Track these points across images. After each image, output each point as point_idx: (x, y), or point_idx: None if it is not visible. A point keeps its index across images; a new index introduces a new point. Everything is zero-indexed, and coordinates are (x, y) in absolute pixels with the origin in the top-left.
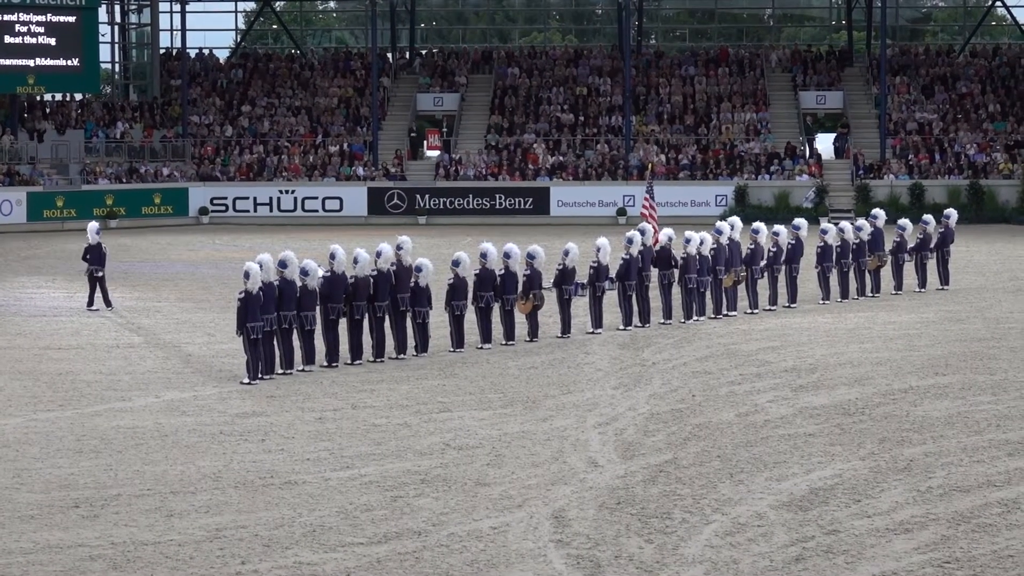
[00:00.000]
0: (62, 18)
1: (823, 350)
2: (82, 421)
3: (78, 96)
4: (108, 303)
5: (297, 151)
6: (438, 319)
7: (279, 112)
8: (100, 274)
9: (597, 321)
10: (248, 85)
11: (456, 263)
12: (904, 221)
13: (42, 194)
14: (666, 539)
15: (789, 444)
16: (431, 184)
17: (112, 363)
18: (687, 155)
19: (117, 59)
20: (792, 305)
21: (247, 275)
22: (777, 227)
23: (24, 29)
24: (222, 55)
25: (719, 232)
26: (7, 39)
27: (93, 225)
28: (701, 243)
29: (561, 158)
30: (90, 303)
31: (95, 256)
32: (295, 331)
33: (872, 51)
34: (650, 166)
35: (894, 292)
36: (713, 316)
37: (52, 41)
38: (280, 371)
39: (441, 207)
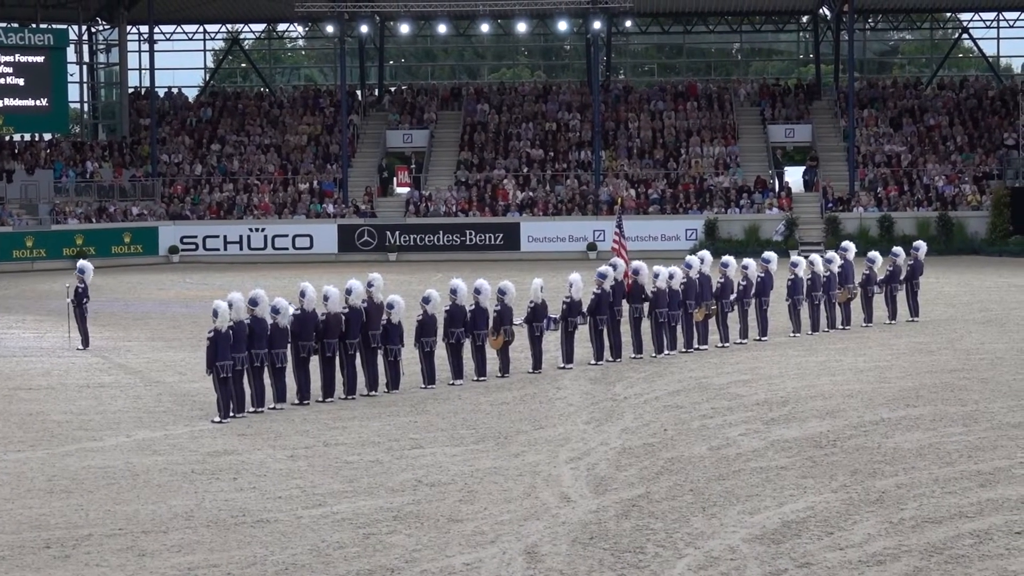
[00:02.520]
0: (30, 58)
1: (794, 383)
2: (53, 461)
3: (47, 136)
4: (86, 343)
5: (267, 189)
6: (409, 356)
7: (248, 150)
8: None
9: (568, 356)
10: (217, 123)
11: (426, 300)
12: (874, 253)
13: (11, 234)
14: (639, 573)
15: (761, 477)
16: (401, 221)
17: (83, 403)
18: (657, 189)
19: (86, 99)
20: (763, 338)
21: (216, 313)
22: (746, 260)
23: None
24: (191, 94)
25: (689, 266)
26: None
27: (88, 265)
28: (671, 277)
29: (531, 193)
30: (85, 343)
31: (84, 294)
32: (266, 369)
33: (840, 84)
34: (619, 200)
35: (864, 324)
36: (684, 350)
37: (20, 81)
38: (251, 409)
39: (411, 243)
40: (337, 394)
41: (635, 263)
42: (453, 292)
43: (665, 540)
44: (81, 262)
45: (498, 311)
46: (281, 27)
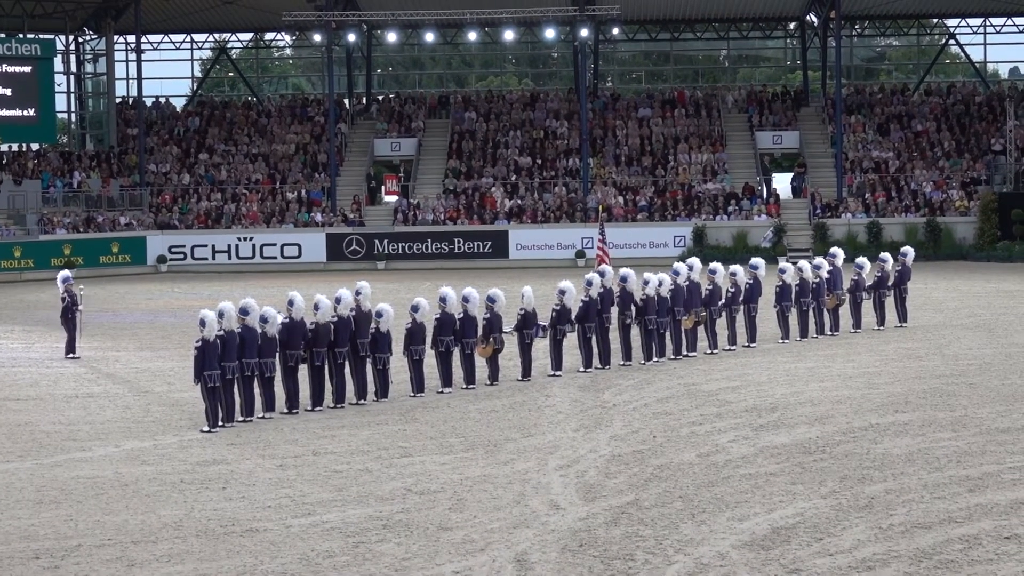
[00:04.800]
0: (17, 69)
1: (783, 389)
2: (42, 472)
3: (35, 146)
4: (72, 351)
5: (255, 198)
6: (398, 364)
7: (236, 159)
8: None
9: (557, 363)
10: (205, 133)
11: (415, 308)
12: (862, 259)
13: None
14: None
15: (750, 483)
16: (390, 229)
17: (71, 413)
18: (645, 196)
19: (73, 109)
20: (751, 345)
21: (203, 323)
22: (734, 267)
23: None
24: (179, 103)
25: (677, 273)
26: None
27: (63, 274)
28: (660, 284)
29: (519, 201)
30: (70, 350)
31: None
32: (255, 378)
33: (827, 90)
34: (600, 207)
35: (853, 330)
36: (673, 357)
37: (8, 92)
38: (240, 418)
39: (400, 252)
40: (326, 403)
41: (623, 270)
42: (442, 300)
43: (655, 547)
44: (66, 272)
45: (487, 319)
46: (268, 36)
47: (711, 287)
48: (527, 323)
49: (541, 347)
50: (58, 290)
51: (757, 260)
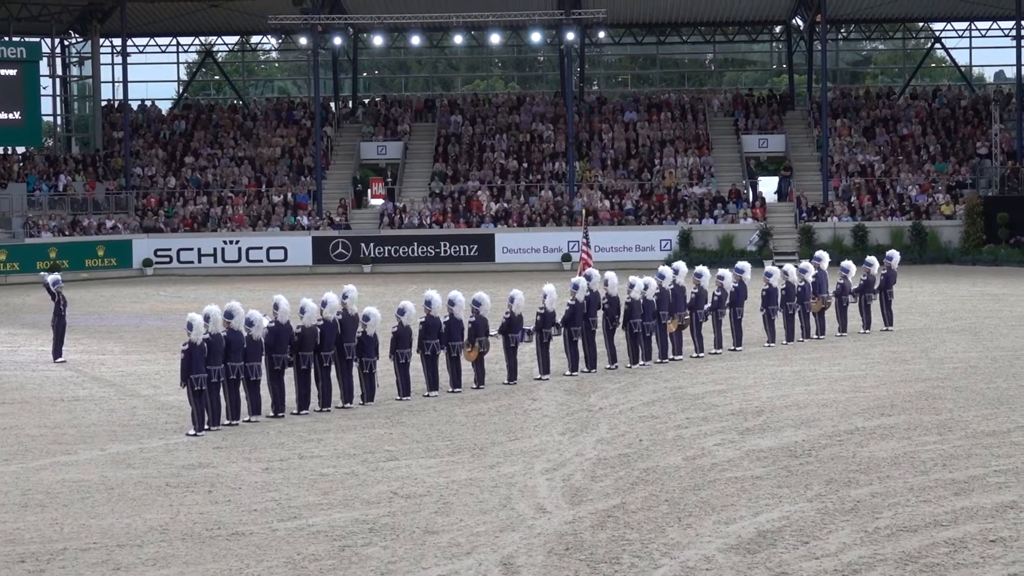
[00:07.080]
0: (3, 71)
1: (769, 392)
2: (27, 475)
3: (20, 149)
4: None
5: (241, 201)
6: (384, 367)
7: (222, 163)
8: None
9: (544, 367)
10: (191, 136)
11: (401, 312)
12: (847, 263)
13: None
14: None
15: (736, 487)
16: (376, 232)
17: (57, 416)
18: (631, 200)
19: (59, 112)
20: (737, 348)
21: (190, 326)
22: (721, 271)
23: None
24: (164, 106)
25: (662, 276)
26: None
27: (53, 277)
28: (646, 288)
29: (505, 205)
30: (58, 354)
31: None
32: (241, 382)
33: (813, 94)
34: (583, 212)
35: (839, 334)
36: (659, 360)
37: None
38: (226, 422)
39: (386, 255)
40: (312, 406)
41: (607, 273)
42: (428, 304)
43: (641, 550)
44: (56, 275)
45: (472, 322)
46: (254, 39)
47: (697, 291)
48: (512, 326)
49: (527, 351)
50: (46, 293)
51: (743, 263)
